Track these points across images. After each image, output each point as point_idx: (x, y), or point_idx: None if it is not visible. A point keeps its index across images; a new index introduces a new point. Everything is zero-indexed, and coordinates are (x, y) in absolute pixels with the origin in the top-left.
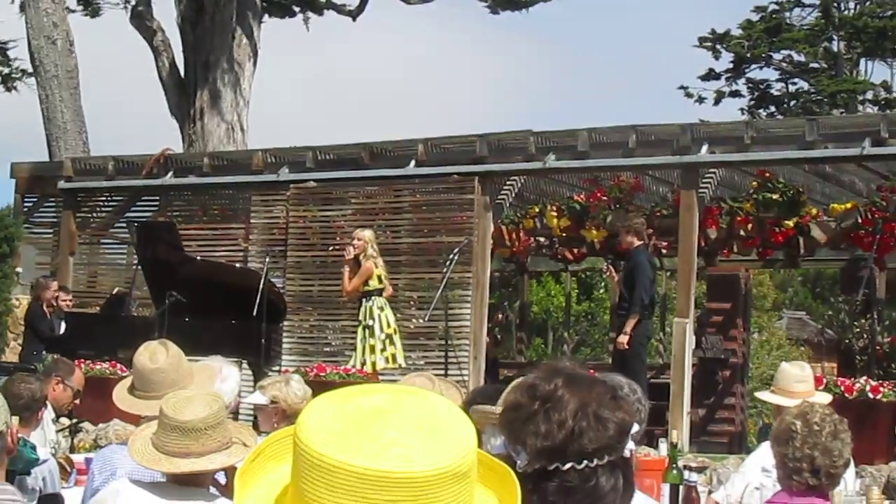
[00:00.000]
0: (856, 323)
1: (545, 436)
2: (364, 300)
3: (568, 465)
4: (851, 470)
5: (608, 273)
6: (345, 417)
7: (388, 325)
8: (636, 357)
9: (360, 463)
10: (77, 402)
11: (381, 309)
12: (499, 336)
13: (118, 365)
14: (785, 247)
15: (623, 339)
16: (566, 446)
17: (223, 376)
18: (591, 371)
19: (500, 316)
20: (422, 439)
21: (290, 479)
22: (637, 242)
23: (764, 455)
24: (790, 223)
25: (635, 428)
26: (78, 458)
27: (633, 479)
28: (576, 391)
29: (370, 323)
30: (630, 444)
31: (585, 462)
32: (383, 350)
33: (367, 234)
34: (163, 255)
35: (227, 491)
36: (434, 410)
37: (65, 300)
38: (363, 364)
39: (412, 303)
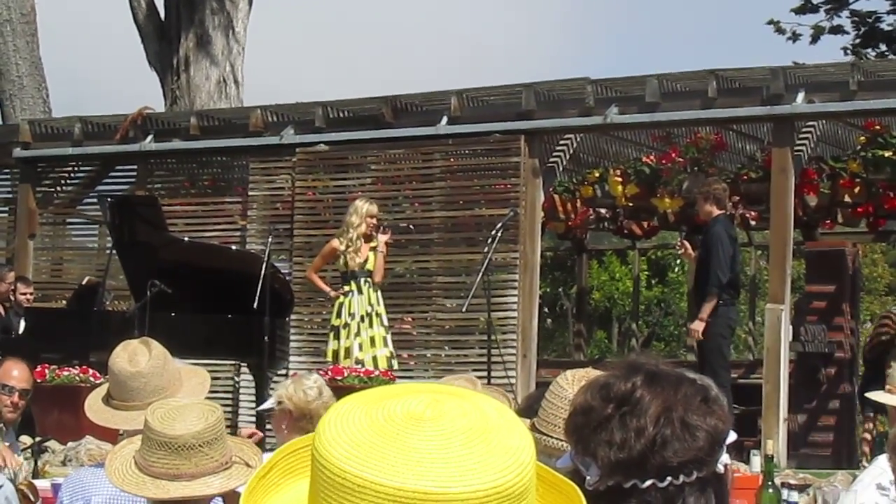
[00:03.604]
0: None
1: (620, 446)
2: (365, 284)
3: (648, 483)
4: None
5: (683, 250)
6: (373, 426)
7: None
8: (715, 351)
9: (392, 482)
10: (14, 400)
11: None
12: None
13: (90, 370)
14: None
15: (697, 325)
16: (646, 459)
17: None
18: None
19: None
20: (468, 452)
21: (308, 499)
22: (717, 212)
23: (879, 470)
24: None
25: (731, 437)
26: (43, 483)
27: (728, 500)
28: (658, 392)
29: (379, 310)
30: (724, 458)
31: (669, 479)
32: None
33: (374, 208)
34: (142, 237)
35: None
36: (483, 416)
37: (24, 293)
38: (362, 361)
39: (446, 290)
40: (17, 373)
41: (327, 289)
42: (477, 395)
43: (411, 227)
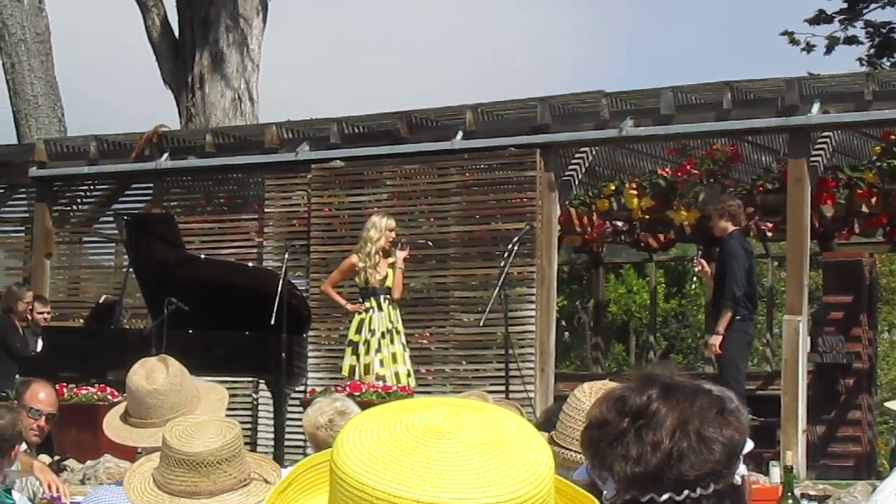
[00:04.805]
0: None
1: (637, 460)
2: (384, 301)
3: (665, 496)
4: None
5: (699, 267)
6: (391, 438)
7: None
8: (731, 365)
9: (410, 494)
10: (41, 424)
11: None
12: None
13: (108, 388)
14: None
15: (714, 339)
16: (662, 473)
17: None
18: None
19: None
20: (486, 464)
21: None
22: (732, 228)
23: None
24: None
25: (748, 446)
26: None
27: None
28: (674, 405)
29: (398, 328)
30: (741, 469)
31: (686, 492)
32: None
33: (392, 222)
34: (159, 254)
35: None
36: (501, 429)
37: (41, 312)
38: (384, 378)
39: (463, 305)
40: (44, 396)
41: (344, 302)
42: (495, 408)
43: (429, 243)
